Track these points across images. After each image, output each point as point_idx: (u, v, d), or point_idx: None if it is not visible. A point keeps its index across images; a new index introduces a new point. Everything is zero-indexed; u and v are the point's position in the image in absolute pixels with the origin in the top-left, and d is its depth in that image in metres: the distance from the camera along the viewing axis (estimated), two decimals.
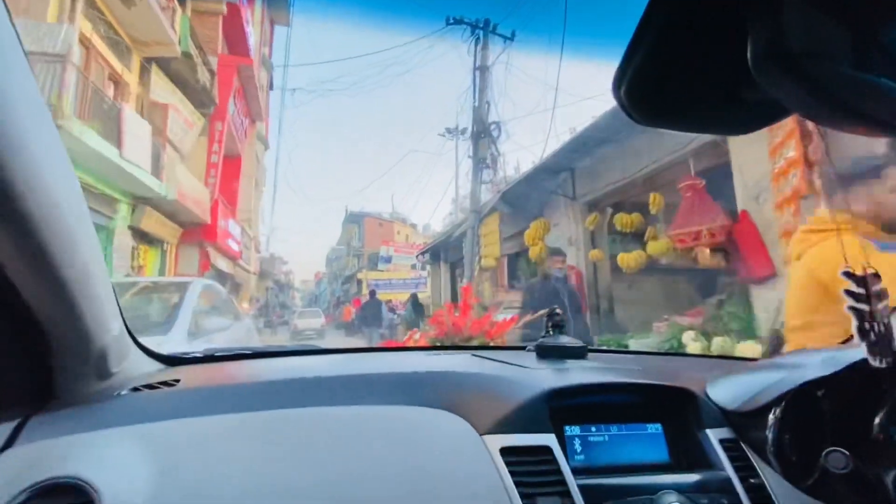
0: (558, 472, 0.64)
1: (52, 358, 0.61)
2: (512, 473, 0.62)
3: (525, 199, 6.03)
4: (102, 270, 0.64)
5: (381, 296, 21.64)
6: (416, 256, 15.66)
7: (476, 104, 6.70)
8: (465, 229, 7.20)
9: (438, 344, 3.04)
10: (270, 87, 20.59)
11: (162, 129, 8.71)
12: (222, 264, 12.04)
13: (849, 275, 0.64)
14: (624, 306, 5.22)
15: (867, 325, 0.62)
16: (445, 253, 11.72)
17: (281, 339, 17.44)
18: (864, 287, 0.63)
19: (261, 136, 16.31)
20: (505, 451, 0.65)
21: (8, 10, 0.43)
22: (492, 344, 2.83)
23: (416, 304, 10.68)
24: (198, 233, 10.37)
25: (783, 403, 0.70)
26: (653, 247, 3.91)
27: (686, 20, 0.30)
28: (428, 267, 15.11)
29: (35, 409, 0.61)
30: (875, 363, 0.62)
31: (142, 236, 8.65)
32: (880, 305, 0.62)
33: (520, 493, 0.60)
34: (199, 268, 10.62)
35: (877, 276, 0.63)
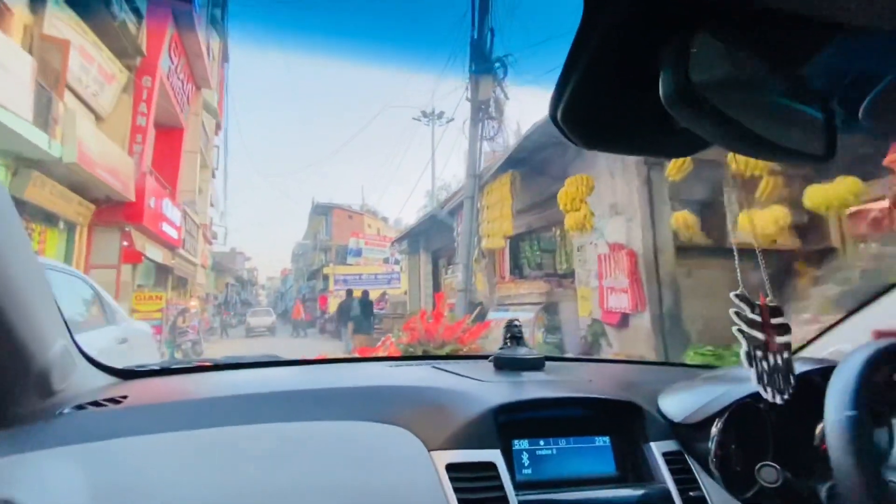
0: (501, 488, 0.65)
1: None
2: (456, 490, 0.63)
3: (546, 154, 4.47)
4: (41, 283, 0.63)
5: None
6: (392, 244, 13.74)
7: (475, 34, 5.12)
8: (457, 203, 5.59)
9: (411, 350, 2.93)
10: (225, 57, 18.31)
11: (59, 71, 6.66)
12: (155, 253, 9.95)
13: (741, 297, 0.69)
14: (702, 303, 3.60)
15: (758, 354, 0.66)
16: (427, 240, 10.07)
17: (233, 341, 15.75)
18: (760, 315, 0.67)
19: (210, 107, 14.12)
20: (451, 468, 0.65)
21: None
22: (465, 349, 2.73)
23: (364, 304, 8.77)
24: (118, 212, 8.29)
25: (726, 416, 0.73)
26: (817, 195, 2.30)
27: (611, 56, 0.31)
28: (403, 259, 13.41)
29: None
30: (766, 395, 0.66)
31: (32, 212, 6.58)
32: (779, 340, 0.67)
33: None
34: (120, 256, 8.55)
35: (777, 309, 0.68)
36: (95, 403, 0.71)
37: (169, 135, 11.66)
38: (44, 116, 5.96)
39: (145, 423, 0.65)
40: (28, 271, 0.59)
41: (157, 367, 0.98)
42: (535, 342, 4.38)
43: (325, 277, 22.15)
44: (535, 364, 0.98)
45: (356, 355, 3.80)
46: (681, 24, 0.27)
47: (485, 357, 1.09)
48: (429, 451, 0.67)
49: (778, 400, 0.65)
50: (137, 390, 0.81)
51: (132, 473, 0.58)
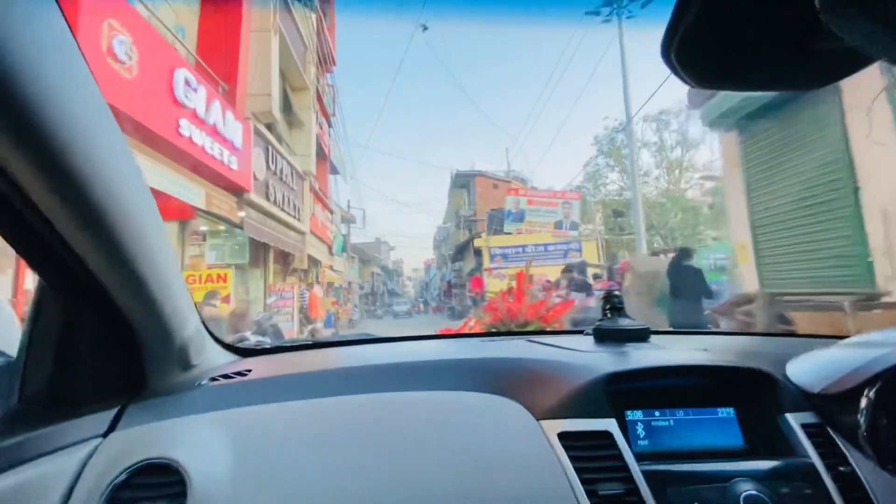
0: (620, 457, 0.62)
1: (142, 353, 0.68)
2: (572, 458, 0.61)
3: None
4: (178, 272, 0.67)
5: (510, 271, 13.60)
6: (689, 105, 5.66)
7: None
8: None
9: (494, 329, 2.76)
10: None
11: None
12: (178, 185, 4.94)
13: None
14: None
15: None
16: None
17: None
18: None
19: None
20: (563, 436, 0.64)
21: (68, 24, 0.43)
22: (548, 329, 2.60)
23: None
24: None
25: (879, 384, 0.65)
26: None
27: None
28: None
29: (131, 398, 0.68)
30: None
31: None
32: None
33: (581, 479, 0.59)
34: None
35: None
36: (226, 376, 0.79)
37: (219, 7, 6.86)
38: None
39: (271, 393, 0.72)
40: (169, 257, 0.64)
41: (269, 346, 1.06)
42: None
43: (478, 253, 16.37)
44: (640, 335, 0.94)
45: (446, 332, 2.71)
46: None
47: (579, 332, 1.08)
48: (537, 420, 0.67)
49: None
50: (258, 365, 0.87)
51: (265, 436, 0.64)
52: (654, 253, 7.05)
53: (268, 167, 7.68)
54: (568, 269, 6.54)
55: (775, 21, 0.28)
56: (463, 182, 27.86)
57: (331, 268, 17.87)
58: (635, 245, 13.60)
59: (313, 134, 10.57)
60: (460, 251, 20.73)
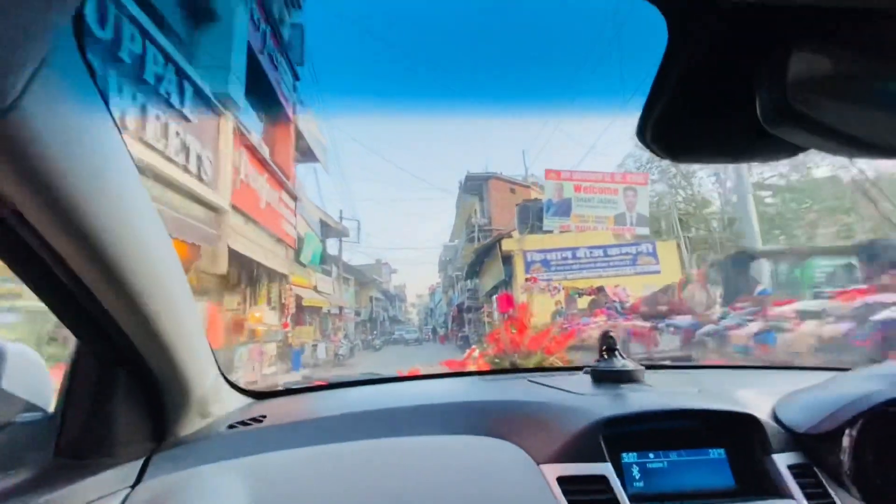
0: (615, 501, 0.65)
1: (165, 404, 0.72)
2: (570, 503, 0.64)
3: None
4: (200, 329, 0.74)
5: (568, 283, 9.05)
6: None
7: None
8: None
9: (498, 361, 2.98)
10: None
11: None
12: None
13: None
14: None
15: None
16: None
17: None
18: None
19: None
20: (562, 481, 0.67)
21: (100, 91, 0.46)
22: (551, 360, 2.76)
23: None
24: None
25: (860, 423, 0.67)
26: None
27: (699, 78, 0.31)
28: None
29: (155, 447, 0.72)
30: None
31: None
32: None
33: None
34: None
35: None
36: (242, 423, 0.83)
37: None
38: None
39: (286, 439, 0.77)
40: (194, 317, 0.69)
41: (281, 388, 1.11)
42: None
43: (507, 261, 11.76)
44: (635, 376, 0.94)
45: (449, 370, 3.06)
46: (771, 42, 0.27)
47: (578, 369, 1.10)
48: (538, 464, 0.69)
49: None
50: (272, 410, 0.90)
51: (283, 483, 0.68)
52: None
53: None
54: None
55: (737, 111, 0.31)
56: (475, 187, 23.53)
57: (314, 289, 13.43)
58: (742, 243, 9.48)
59: (243, 43, 6.21)
60: (479, 260, 16.00)
